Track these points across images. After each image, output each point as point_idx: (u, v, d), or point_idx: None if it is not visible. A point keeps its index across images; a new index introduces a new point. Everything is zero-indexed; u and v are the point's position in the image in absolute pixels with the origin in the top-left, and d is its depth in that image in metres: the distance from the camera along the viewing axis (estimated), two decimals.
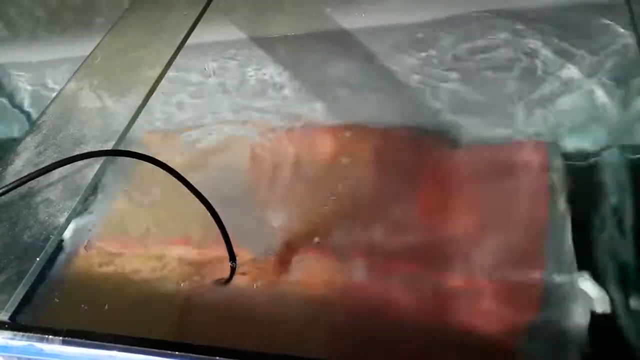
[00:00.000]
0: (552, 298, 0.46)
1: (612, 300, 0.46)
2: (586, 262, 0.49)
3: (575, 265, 0.48)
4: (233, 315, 0.50)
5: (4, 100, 0.82)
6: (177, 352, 0.36)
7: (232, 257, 0.51)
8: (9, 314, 0.41)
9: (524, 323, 0.45)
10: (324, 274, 0.51)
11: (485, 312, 0.46)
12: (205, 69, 0.74)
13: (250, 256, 0.53)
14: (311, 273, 0.51)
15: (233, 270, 0.52)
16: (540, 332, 0.44)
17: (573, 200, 0.53)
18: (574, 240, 0.50)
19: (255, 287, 0.51)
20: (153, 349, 0.36)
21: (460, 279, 0.49)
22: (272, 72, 0.73)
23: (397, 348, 0.45)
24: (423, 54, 0.67)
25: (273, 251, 0.53)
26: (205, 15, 0.69)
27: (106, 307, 0.50)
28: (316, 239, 0.53)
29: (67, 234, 0.50)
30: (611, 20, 0.66)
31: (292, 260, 0.52)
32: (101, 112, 0.58)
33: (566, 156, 0.57)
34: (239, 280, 0.52)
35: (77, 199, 0.49)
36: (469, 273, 0.49)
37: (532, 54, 0.65)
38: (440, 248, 0.52)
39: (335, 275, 0.51)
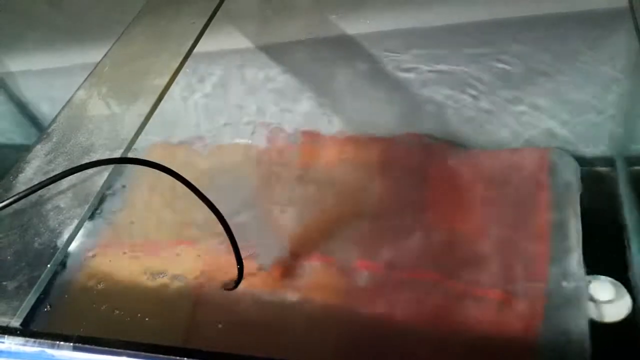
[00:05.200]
0: (556, 305, 0.46)
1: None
2: (594, 266, 0.48)
3: (583, 270, 0.48)
4: (241, 320, 0.50)
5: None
6: (185, 358, 0.36)
7: (240, 263, 0.51)
8: (20, 320, 0.42)
9: (530, 330, 0.45)
10: (330, 281, 0.52)
11: (490, 320, 0.46)
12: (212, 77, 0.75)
13: (258, 263, 0.53)
14: (318, 280, 0.52)
15: (240, 276, 0.52)
16: (547, 337, 0.44)
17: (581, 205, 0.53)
18: (583, 245, 0.50)
19: (262, 293, 0.51)
20: (162, 355, 0.37)
21: (465, 286, 0.49)
22: (280, 79, 0.74)
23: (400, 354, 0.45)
24: None
25: (281, 257, 0.53)
26: (212, 24, 0.69)
27: (115, 312, 0.51)
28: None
29: (77, 241, 0.51)
30: None
31: (298, 267, 0.53)
32: (110, 120, 0.58)
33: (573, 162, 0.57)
34: (246, 286, 0.52)
35: (87, 206, 0.50)
36: (473, 280, 0.49)
37: None
38: (444, 255, 0.52)
39: (341, 282, 0.51)
